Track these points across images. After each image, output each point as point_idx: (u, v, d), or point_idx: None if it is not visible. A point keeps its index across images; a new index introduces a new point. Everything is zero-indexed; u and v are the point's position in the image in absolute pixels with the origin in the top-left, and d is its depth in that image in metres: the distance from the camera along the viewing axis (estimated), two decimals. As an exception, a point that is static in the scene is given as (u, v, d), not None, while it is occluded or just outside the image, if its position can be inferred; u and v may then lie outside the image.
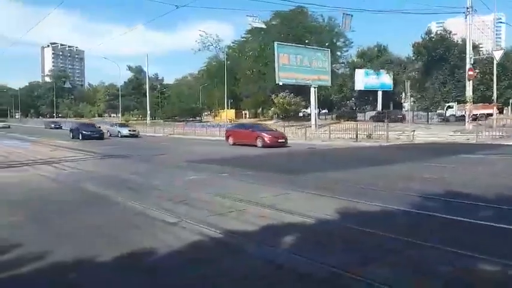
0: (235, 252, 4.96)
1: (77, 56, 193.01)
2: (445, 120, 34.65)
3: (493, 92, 28.36)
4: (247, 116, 69.58)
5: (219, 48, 64.34)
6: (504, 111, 36.57)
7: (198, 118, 75.48)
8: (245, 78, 55.34)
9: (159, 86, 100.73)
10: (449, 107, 37.93)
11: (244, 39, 62.38)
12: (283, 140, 22.65)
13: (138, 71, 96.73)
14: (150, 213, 6.79)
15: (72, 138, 30.85)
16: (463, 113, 32.78)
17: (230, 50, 66.01)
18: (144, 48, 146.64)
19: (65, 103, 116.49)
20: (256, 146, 21.84)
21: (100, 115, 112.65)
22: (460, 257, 4.54)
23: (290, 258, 4.61)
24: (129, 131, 36.20)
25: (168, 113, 79.46)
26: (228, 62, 61.06)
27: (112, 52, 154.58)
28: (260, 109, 64.57)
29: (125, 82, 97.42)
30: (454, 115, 35.92)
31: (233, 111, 65.81)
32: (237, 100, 67.04)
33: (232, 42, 68.77)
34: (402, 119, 35.31)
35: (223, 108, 60.77)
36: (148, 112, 61.71)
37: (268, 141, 21.83)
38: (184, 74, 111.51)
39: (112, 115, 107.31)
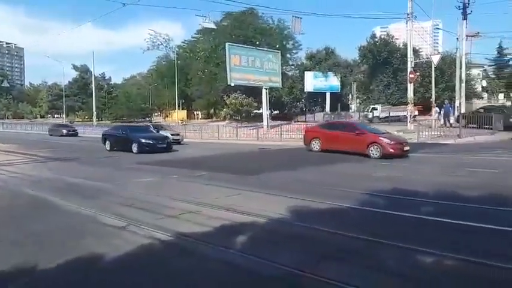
0: (187, 254, 4.91)
1: (16, 53, 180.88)
2: (370, 121, 36.18)
3: (431, 94, 30.21)
4: (199, 116, 68.93)
5: (169, 48, 63.27)
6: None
7: (147, 119, 73.57)
8: (197, 78, 54.76)
9: (106, 85, 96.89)
10: (373, 108, 39.99)
11: (195, 39, 61.75)
12: (407, 148, 15.76)
13: (84, 70, 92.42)
14: (99, 218, 6.54)
15: (111, 149, 20.59)
16: (386, 115, 36.29)
17: (181, 50, 65.01)
18: (91, 46, 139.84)
19: (3, 103, 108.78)
20: (366, 155, 15.31)
21: (42, 116, 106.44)
22: (407, 251, 4.82)
23: (243, 258, 4.65)
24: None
25: (115, 114, 76.76)
26: (179, 62, 60.09)
27: (57, 50, 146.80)
28: (212, 110, 64.21)
29: (69, 82, 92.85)
30: (378, 116, 38.01)
31: (185, 111, 64.91)
32: (188, 100, 66.17)
33: (183, 42, 67.89)
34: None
35: (174, 109, 59.75)
36: (95, 113, 59.34)
37: (391, 150, 15.02)
38: (133, 74, 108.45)
39: (56, 116, 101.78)
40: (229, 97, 43.94)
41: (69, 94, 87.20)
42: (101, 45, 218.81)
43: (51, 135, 39.84)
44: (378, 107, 39.60)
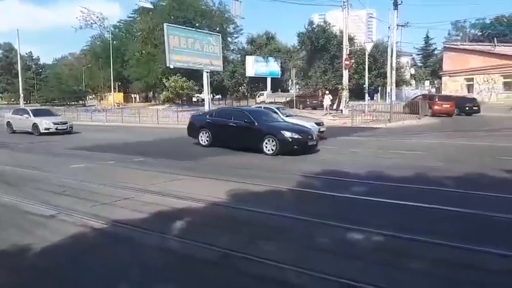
0: (122, 242, 4.80)
1: None
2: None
3: (365, 81, 31.66)
4: (137, 100, 66.49)
5: (104, 27, 59.83)
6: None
7: (81, 102, 69.57)
8: (134, 60, 52.55)
9: (34, 66, 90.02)
10: (261, 94, 45.87)
11: (132, 19, 59.06)
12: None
13: (8, 49, 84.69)
14: (24, 207, 6.14)
15: (210, 145, 13.80)
16: (271, 100, 39.82)
17: (116, 30, 61.89)
18: (16, 23, 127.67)
19: None
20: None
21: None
22: (338, 228, 5.10)
23: (178, 243, 4.64)
24: None
25: (46, 97, 71.70)
26: (115, 42, 57.21)
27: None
28: (151, 93, 62.16)
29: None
30: (263, 101, 41.22)
31: (121, 94, 62.25)
32: (125, 83, 63.45)
33: (119, 22, 64.63)
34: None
35: (110, 92, 57.05)
36: (22, 95, 54.71)
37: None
38: (64, 54, 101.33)
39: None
40: (168, 80, 42.81)
41: (-10, 74, 79.87)
42: (27, 22, 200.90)
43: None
44: (264, 92, 46.53)
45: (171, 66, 32.66)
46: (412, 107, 27.02)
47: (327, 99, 29.79)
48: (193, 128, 14.47)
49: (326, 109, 31.21)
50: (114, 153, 12.88)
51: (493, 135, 16.90)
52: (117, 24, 63.79)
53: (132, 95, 67.71)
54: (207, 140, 13.59)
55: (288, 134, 11.89)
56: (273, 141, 11.89)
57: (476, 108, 29.34)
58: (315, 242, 4.74)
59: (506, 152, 11.89)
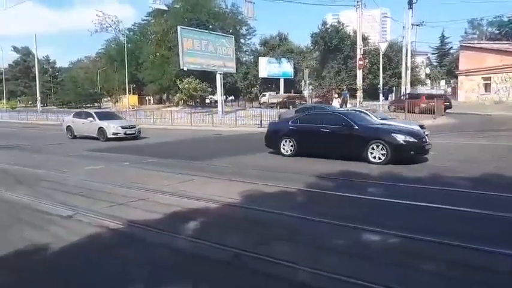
0: (137, 242, 4.87)
1: None
2: (260, 106, 40.73)
3: (379, 81, 31.42)
4: (151, 102, 67.12)
5: (119, 30, 60.62)
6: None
7: (96, 104, 70.59)
8: (148, 62, 53.07)
9: (50, 69, 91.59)
10: (263, 95, 46.47)
11: (146, 21, 59.68)
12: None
13: (26, 53, 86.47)
14: (42, 207, 6.29)
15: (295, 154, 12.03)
16: (273, 101, 40.89)
17: (131, 33, 62.64)
18: (33, 27, 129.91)
19: None
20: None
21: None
22: (349, 229, 5.08)
23: (191, 243, 4.69)
24: None
25: (62, 99, 72.98)
26: (129, 45, 57.85)
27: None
28: (165, 95, 62.68)
29: (9, 65, 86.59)
30: (265, 102, 43.01)
31: (136, 96, 62.91)
32: (140, 85, 64.11)
33: (133, 25, 65.38)
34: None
35: (125, 94, 57.76)
36: (39, 98, 55.94)
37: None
38: (80, 57, 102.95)
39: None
40: (182, 82, 43.14)
41: (9, 78, 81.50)
42: (43, 26, 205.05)
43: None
44: (267, 94, 46.50)
45: (185, 69, 32.93)
46: (398, 106, 27.81)
47: (335, 102, 29.31)
48: (273, 137, 12.38)
49: None
50: (129, 154, 13.05)
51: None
52: (132, 27, 64.59)
53: (147, 97, 68.32)
54: (290, 150, 11.67)
55: (401, 138, 9.91)
56: (382, 147, 9.91)
57: (448, 104, 30.15)
58: (329, 243, 4.73)
59: None
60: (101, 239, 4.92)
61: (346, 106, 27.87)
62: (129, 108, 49.12)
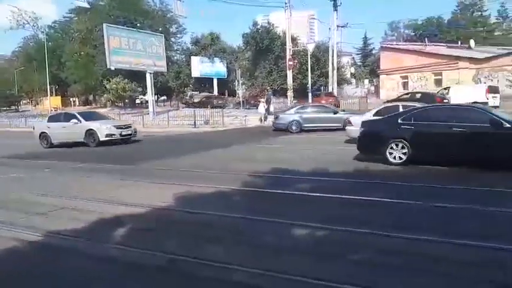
0: (62, 254, 4.53)
1: None
2: (187, 105, 41.56)
3: (308, 81, 32.55)
4: (77, 103, 63.30)
5: (38, 28, 56.33)
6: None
7: (13, 107, 64.93)
8: (72, 61, 49.94)
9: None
10: (186, 95, 48.59)
11: (68, 19, 56.17)
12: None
13: None
14: None
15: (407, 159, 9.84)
16: (195, 100, 41.61)
17: (52, 31, 58.58)
18: None
19: None
20: None
21: None
22: (282, 225, 5.17)
23: (121, 251, 4.47)
24: None
25: (-28, 102, 66.08)
26: (50, 43, 54.11)
27: None
28: (92, 96, 59.44)
29: None
30: (187, 102, 44.50)
31: (59, 98, 58.94)
32: (63, 86, 60.12)
33: (54, 22, 61.24)
34: (223, 105, 37.35)
35: (46, 95, 53.81)
36: None
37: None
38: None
39: None
40: (109, 82, 41.20)
41: None
42: None
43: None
44: (194, 93, 49.12)
45: (112, 68, 31.48)
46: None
47: (261, 108, 26.50)
48: (374, 141, 9.72)
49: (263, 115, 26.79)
50: (49, 160, 12.16)
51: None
52: (52, 24, 60.46)
53: (71, 99, 64.36)
54: (402, 156, 9.08)
55: None
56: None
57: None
58: (263, 240, 4.77)
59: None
60: (18, 254, 4.50)
61: (269, 107, 26.56)
62: (52, 110, 45.94)
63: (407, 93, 28.54)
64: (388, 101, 20.30)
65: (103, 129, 15.56)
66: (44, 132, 17.11)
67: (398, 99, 22.98)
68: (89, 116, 17.24)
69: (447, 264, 3.86)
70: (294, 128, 18.75)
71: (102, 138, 15.43)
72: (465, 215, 5.38)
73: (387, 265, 3.90)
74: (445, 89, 29.56)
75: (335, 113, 19.37)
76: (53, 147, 16.57)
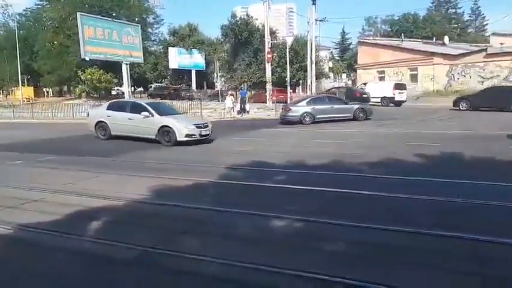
0: (32, 247, 4.43)
1: None
2: (152, 97, 41.83)
3: (287, 74, 32.61)
4: (50, 94, 61.53)
5: (8, 15, 54.33)
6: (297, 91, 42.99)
7: (-17, 98, 62.55)
8: (44, 51, 48.40)
9: None
10: (150, 86, 49.85)
11: (40, 6, 54.31)
12: None
13: None
14: None
15: None
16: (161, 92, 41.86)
17: (23, 19, 56.60)
18: None
19: None
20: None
21: None
22: (258, 217, 5.20)
23: (95, 244, 4.40)
24: None
25: None
26: (21, 32, 52.29)
27: None
28: (66, 87, 57.84)
29: None
30: (152, 93, 45.37)
31: (31, 88, 57.15)
32: (35, 76, 58.31)
33: (25, 10, 59.15)
34: (191, 97, 37.21)
35: (18, 86, 52.07)
36: None
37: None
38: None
39: None
40: (84, 72, 40.20)
41: None
42: None
43: None
44: (153, 85, 49.67)
45: (87, 58, 30.78)
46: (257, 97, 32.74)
47: (229, 101, 25.21)
48: None
49: (230, 109, 25.62)
50: (19, 152, 11.81)
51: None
52: (24, 12, 58.40)
53: (44, 89, 62.50)
54: None
55: None
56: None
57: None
58: (236, 232, 4.79)
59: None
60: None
61: (244, 106, 25.66)
62: (23, 101, 44.56)
63: (337, 87, 34.59)
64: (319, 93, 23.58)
65: (182, 128, 13.04)
66: (102, 122, 14.53)
67: (327, 91, 31.48)
68: (159, 109, 14.28)
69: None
70: (307, 119, 19.12)
71: (181, 138, 12.93)
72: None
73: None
74: (364, 84, 36.57)
75: (346, 103, 20.67)
76: (111, 139, 14.30)
